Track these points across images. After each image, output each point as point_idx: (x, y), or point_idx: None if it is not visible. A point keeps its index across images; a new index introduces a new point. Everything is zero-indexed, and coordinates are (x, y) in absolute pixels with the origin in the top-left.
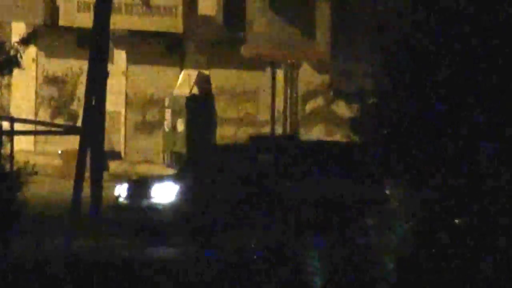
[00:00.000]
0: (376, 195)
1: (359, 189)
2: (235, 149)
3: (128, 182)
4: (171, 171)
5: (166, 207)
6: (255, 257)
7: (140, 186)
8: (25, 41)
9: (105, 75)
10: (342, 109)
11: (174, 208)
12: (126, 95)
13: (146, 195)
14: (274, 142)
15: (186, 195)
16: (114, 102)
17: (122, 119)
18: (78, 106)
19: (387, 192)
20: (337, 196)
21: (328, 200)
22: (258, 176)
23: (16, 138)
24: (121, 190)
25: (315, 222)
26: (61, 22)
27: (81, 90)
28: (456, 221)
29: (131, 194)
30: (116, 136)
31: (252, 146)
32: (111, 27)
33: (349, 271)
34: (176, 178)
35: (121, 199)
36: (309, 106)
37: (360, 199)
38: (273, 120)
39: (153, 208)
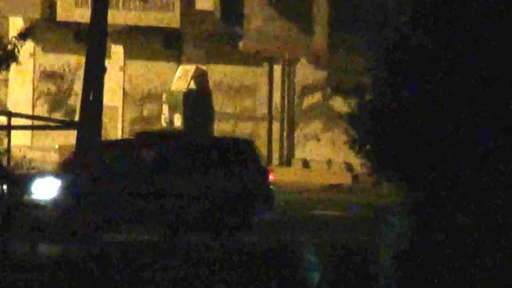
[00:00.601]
0: (261, 190)
1: (244, 185)
2: (121, 144)
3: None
4: None
5: (47, 203)
6: (138, 252)
7: (22, 181)
8: (23, 36)
9: (102, 70)
10: (339, 104)
11: (55, 204)
12: (124, 90)
13: (28, 191)
14: (160, 138)
15: (67, 191)
16: (111, 97)
17: (120, 114)
18: (75, 101)
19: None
20: (222, 191)
21: (211, 195)
22: (141, 171)
23: (13, 133)
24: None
25: (198, 218)
26: (59, 17)
27: (78, 85)
28: (457, 215)
29: (12, 190)
30: (114, 131)
31: (138, 142)
32: (109, 22)
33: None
34: (58, 173)
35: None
36: (306, 101)
37: (245, 195)
38: (270, 115)
39: (34, 204)
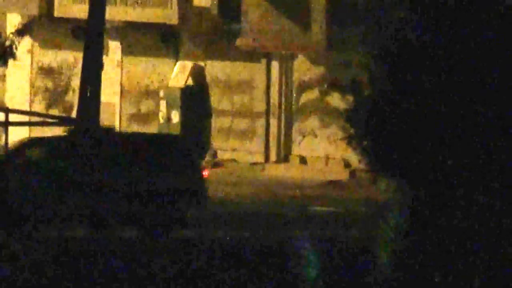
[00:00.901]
0: (192, 187)
1: (171, 181)
2: (52, 141)
3: None
4: None
5: None
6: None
7: None
8: (20, 32)
9: (100, 66)
10: (337, 100)
11: None
12: (121, 86)
13: None
14: (91, 134)
15: None
16: (109, 93)
17: (117, 110)
18: (73, 97)
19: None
20: (153, 187)
21: (143, 191)
22: (72, 168)
23: (11, 129)
24: None
25: (129, 214)
26: (57, 13)
27: (76, 81)
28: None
29: None
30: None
31: (70, 139)
32: (106, 18)
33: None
34: None
35: None
36: (304, 98)
37: (172, 191)
38: (268, 112)
39: None
